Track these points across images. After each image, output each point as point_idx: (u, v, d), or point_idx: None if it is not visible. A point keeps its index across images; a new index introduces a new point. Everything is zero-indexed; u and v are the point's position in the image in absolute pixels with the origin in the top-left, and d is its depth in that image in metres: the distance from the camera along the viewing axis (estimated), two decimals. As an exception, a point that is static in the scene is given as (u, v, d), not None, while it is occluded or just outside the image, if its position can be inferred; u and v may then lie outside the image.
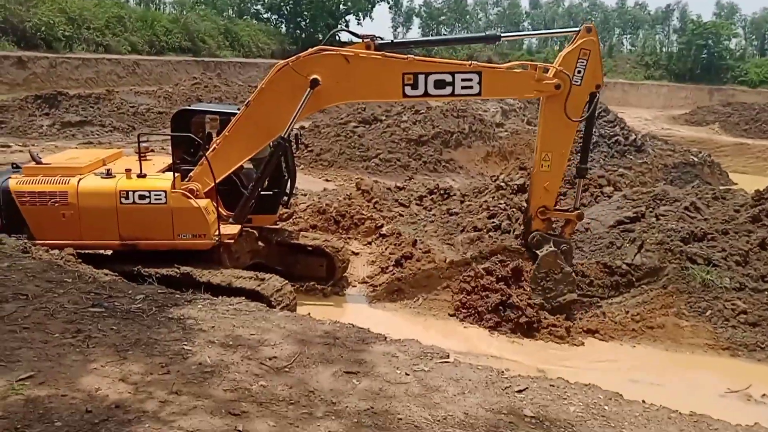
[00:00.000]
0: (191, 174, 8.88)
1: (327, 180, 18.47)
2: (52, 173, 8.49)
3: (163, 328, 5.19)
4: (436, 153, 21.18)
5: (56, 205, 8.24)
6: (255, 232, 9.79)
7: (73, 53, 35.49)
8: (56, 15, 35.60)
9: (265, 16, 63.22)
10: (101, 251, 8.89)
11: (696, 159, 22.88)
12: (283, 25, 62.52)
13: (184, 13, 47.96)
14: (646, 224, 11.24)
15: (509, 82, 9.24)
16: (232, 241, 9.01)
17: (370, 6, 65.35)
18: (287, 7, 61.76)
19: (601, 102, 34.02)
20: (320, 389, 4.39)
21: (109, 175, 8.55)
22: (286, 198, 9.99)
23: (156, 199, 8.39)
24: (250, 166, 9.73)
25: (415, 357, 5.12)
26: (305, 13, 60.06)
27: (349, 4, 63.13)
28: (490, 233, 12.41)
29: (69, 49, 35.66)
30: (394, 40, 9.40)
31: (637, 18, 71.24)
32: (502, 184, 14.06)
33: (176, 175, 8.62)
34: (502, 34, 9.78)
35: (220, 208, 9.11)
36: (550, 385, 4.77)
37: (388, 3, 68.86)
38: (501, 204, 13.10)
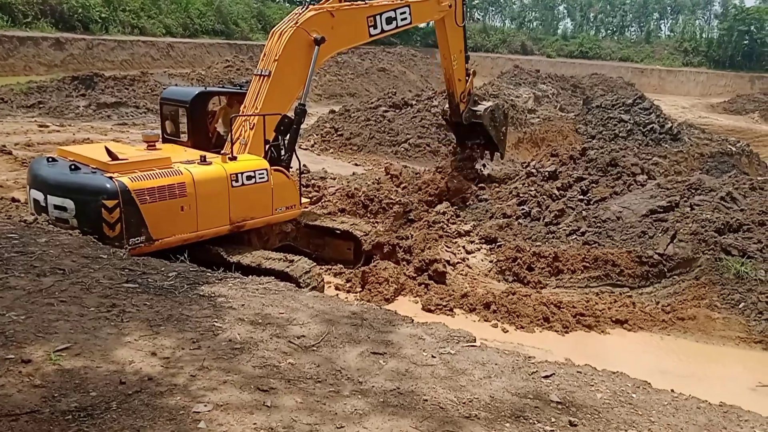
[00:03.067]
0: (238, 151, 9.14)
1: (356, 164, 18.49)
2: (146, 167, 7.92)
3: (194, 304, 5.29)
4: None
5: (176, 198, 7.89)
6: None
7: (109, 35, 36.05)
8: (93, -3, 36.16)
9: (297, -1, 63.10)
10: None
11: (734, 148, 22.30)
12: (314, 8, 62.26)
13: (218, -5, 48.12)
14: (680, 214, 11.04)
15: (424, 10, 12.25)
16: (308, 208, 9.80)
17: (402, -11, 64.59)
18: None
19: (636, 89, 33.33)
20: (347, 368, 4.43)
21: (205, 161, 8.41)
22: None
23: (260, 178, 8.75)
24: None
25: (441, 340, 5.13)
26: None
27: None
28: (519, 220, 12.33)
29: (105, 31, 36.24)
30: None
31: (676, 3, 69.29)
32: (533, 170, 13.92)
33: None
34: None
35: None
36: (577, 372, 4.74)
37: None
38: (531, 191, 12.98)
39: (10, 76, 27.99)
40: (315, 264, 9.06)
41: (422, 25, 72.12)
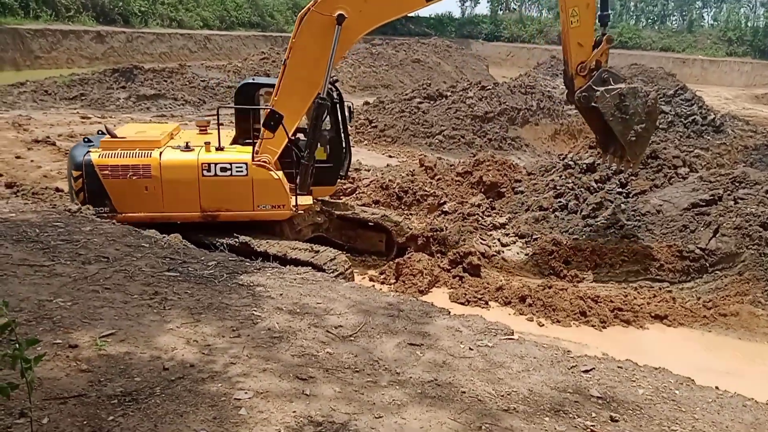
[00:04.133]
0: (257, 147, 8.95)
1: (390, 156, 18.47)
2: (130, 147, 8.63)
3: (233, 293, 5.37)
4: (502, 130, 20.80)
5: (139, 178, 8.37)
6: (318, 204, 9.91)
7: (148, 28, 36.66)
8: (133, -10, 36.78)
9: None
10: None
11: (780, 141, 21.57)
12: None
13: (254, -12, 48.52)
14: (723, 207, 10.75)
15: None
16: (308, 211, 9.19)
17: (437, -20, 64.17)
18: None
19: (677, 79, 32.50)
20: (384, 359, 4.45)
21: (188, 148, 8.69)
22: (343, 171, 10.08)
23: (237, 171, 8.57)
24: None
25: (478, 332, 5.11)
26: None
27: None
28: (556, 213, 12.18)
29: (144, 24, 36.88)
30: None
31: (720, -9, 67.33)
32: (571, 162, 13.70)
33: (255, 147, 8.75)
34: None
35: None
36: (618, 367, 4.67)
37: (456, -23, 67.53)
38: (569, 183, 12.79)
39: (53, 69, 28.76)
40: (340, 252, 9.05)
41: (457, 14, 71.44)
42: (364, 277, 9.86)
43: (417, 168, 15.21)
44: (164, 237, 7.42)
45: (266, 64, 32.33)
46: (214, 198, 8.60)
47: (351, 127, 10.49)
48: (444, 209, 12.63)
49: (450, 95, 22.14)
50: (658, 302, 9.47)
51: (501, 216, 12.54)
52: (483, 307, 9.26)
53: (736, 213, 10.44)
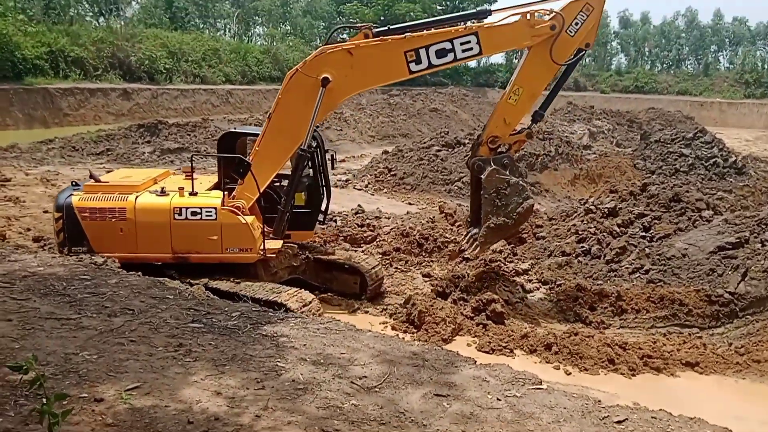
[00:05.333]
0: (234, 192, 9.37)
1: (410, 203, 18.55)
2: (110, 191, 9.14)
3: (257, 344, 5.36)
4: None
5: (115, 220, 8.86)
6: (295, 247, 10.20)
7: (173, 84, 37.79)
8: (158, 49, 38.12)
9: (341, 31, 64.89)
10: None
11: (804, 181, 21.29)
12: (367, 53, 63.82)
13: (274, 44, 50.10)
14: (751, 250, 10.55)
15: (507, 35, 9.54)
16: (275, 255, 9.44)
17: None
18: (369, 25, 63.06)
19: (696, 122, 32.49)
20: (410, 410, 4.37)
21: (163, 193, 9.13)
22: (322, 216, 10.43)
23: (207, 216, 8.95)
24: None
25: (506, 382, 5.02)
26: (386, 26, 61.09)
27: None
28: (579, 258, 12.06)
29: (169, 81, 38.01)
30: (390, 26, 9.70)
31: (735, 34, 67.70)
32: (592, 207, 13.64)
33: (225, 192, 9.16)
34: (493, 8, 10.20)
35: (260, 224, 9.50)
36: (652, 417, 4.53)
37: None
38: (591, 228, 12.70)
39: (81, 126, 29.60)
40: (304, 290, 9.18)
41: (473, 63, 72.79)
42: (386, 326, 9.77)
43: (437, 215, 15.25)
44: (188, 288, 7.48)
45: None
46: (184, 240, 8.97)
47: (333, 173, 11.05)
48: (465, 256, 12.57)
49: (468, 143, 22.29)
50: (689, 349, 9.21)
51: (523, 262, 12.44)
52: (508, 356, 9.10)
53: (764, 256, 10.24)
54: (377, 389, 4.68)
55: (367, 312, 10.21)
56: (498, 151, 9.91)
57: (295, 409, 4.24)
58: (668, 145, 23.08)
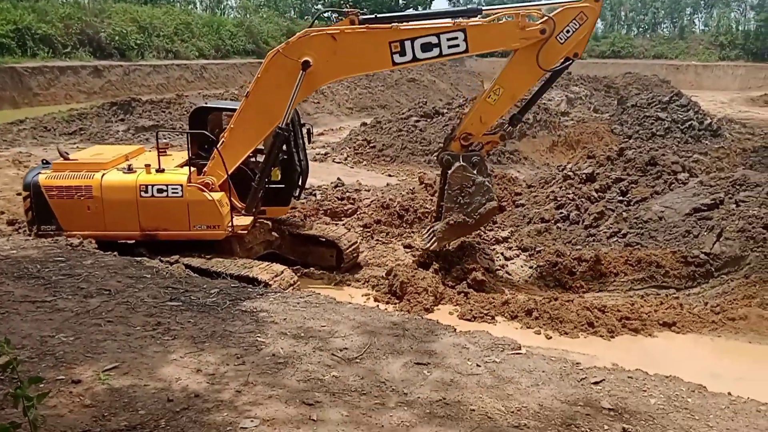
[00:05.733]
0: (205, 168, 9.30)
1: (390, 175, 18.50)
2: (78, 168, 9.05)
3: (237, 320, 5.34)
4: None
5: (82, 198, 8.79)
6: (268, 223, 10.19)
7: (145, 60, 36.97)
8: (128, 24, 37.17)
9: (326, 15, 63.98)
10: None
11: (778, 142, 21.58)
12: (343, 24, 63.04)
13: (248, 16, 49.14)
14: (725, 211, 10.70)
15: (495, 35, 9.34)
16: (245, 232, 9.40)
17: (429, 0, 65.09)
18: (347, 5, 62.26)
19: (672, 86, 32.63)
20: (391, 380, 4.40)
21: (130, 170, 9.06)
22: (297, 191, 10.38)
23: (173, 193, 8.88)
24: (262, 159, 10.03)
25: (485, 348, 5.06)
26: (365, 10, 60.39)
27: (408, -1, 63.09)
28: (558, 224, 12.15)
29: (141, 57, 37.16)
30: (377, 15, 9.57)
31: (710, -4, 67.83)
32: (570, 173, 13.71)
33: (192, 169, 9.07)
34: (484, 7, 9.82)
35: (234, 200, 9.47)
36: (628, 377, 4.61)
37: (447, -5, 68.33)
38: (569, 194, 12.78)
39: (52, 105, 28.90)
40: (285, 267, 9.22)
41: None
42: (368, 298, 9.80)
43: (417, 186, 15.23)
44: (167, 267, 7.42)
45: (262, 90, 32.43)
46: (152, 218, 8.93)
47: (311, 147, 10.99)
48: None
49: (446, 112, 22.25)
50: (666, 309, 9.38)
51: (503, 230, 12.51)
52: (490, 323, 9.19)
53: (738, 216, 10.39)
54: (358, 360, 4.70)
55: (349, 285, 10.23)
56: (470, 148, 9.80)
57: (275, 383, 4.24)
58: (645, 110, 23.21)
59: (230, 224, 9.08)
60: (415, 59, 9.18)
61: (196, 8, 53.62)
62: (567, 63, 9.48)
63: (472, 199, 9.61)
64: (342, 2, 54.75)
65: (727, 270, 9.80)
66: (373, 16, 9.52)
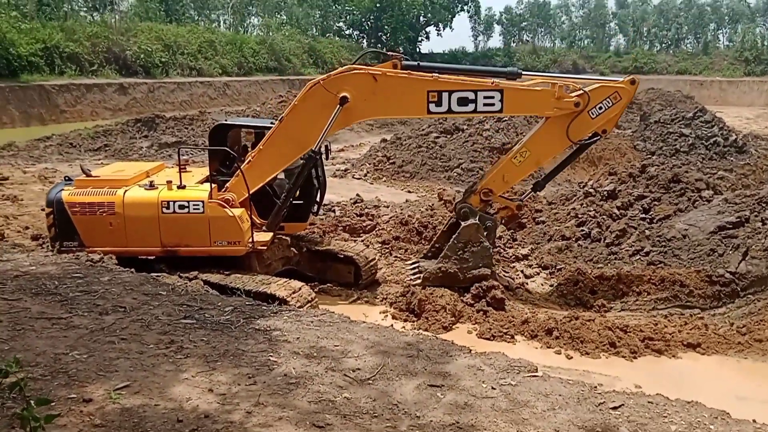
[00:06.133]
0: (228, 185, 9.35)
1: (409, 191, 18.47)
2: (100, 185, 9.21)
3: (250, 339, 5.31)
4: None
5: (104, 214, 8.89)
6: (287, 239, 10.21)
7: (169, 78, 37.62)
8: (153, 43, 37.93)
9: (347, 32, 64.68)
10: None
11: (805, 158, 21.12)
12: (364, 41, 63.67)
13: (270, 34, 49.84)
14: (751, 229, 10.46)
15: (530, 100, 9.48)
16: (265, 248, 9.40)
17: (450, 17, 65.48)
18: (368, 23, 62.94)
19: (696, 102, 32.32)
20: (404, 402, 4.32)
21: (152, 186, 9.14)
22: (316, 207, 10.44)
23: (194, 209, 8.95)
24: (282, 176, 10.12)
25: (501, 370, 4.96)
26: (386, 27, 60.98)
27: (429, 15, 63.51)
28: (579, 242, 11.98)
29: (165, 74, 37.85)
30: (420, 63, 9.66)
31: (735, 11, 67.02)
32: (591, 190, 13.54)
33: (213, 185, 9.13)
34: (525, 73, 9.80)
35: (254, 216, 9.49)
36: (648, 402, 4.47)
37: (468, 12, 68.64)
38: (590, 211, 12.61)
39: (78, 122, 29.52)
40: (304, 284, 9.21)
41: (470, 47, 72.25)
42: (386, 315, 9.73)
43: (436, 202, 15.16)
44: (185, 283, 7.45)
45: (284, 106, 32.73)
46: (173, 234, 8.98)
47: (332, 163, 11.09)
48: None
49: (466, 128, 22.17)
50: (690, 330, 9.15)
51: (523, 247, 12.37)
52: (509, 342, 9.05)
53: (765, 234, 10.14)
54: (370, 381, 4.63)
55: (367, 302, 10.19)
56: (488, 209, 10.06)
57: (286, 404, 4.19)
58: (668, 126, 22.90)
59: (251, 240, 9.09)
60: (450, 111, 9.33)
61: (220, 26, 54.55)
62: (595, 138, 9.64)
63: (472, 259, 9.75)
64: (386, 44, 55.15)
65: (754, 290, 9.56)
66: (416, 63, 9.61)
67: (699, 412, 4.38)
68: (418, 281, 10.08)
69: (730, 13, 67.40)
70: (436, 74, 9.21)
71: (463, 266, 9.77)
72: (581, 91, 9.26)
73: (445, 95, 9.13)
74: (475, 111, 9.37)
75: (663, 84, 45.13)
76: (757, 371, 8.32)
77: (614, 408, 4.32)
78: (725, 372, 8.36)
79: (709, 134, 21.62)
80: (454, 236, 9.85)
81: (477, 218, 9.73)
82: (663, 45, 68.56)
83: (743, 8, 66.59)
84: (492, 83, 9.21)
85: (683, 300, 9.80)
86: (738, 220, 10.73)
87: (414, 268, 10.59)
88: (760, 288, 9.51)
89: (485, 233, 9.74)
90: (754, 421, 4.31)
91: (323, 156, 10.66)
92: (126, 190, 9.09)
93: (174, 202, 8.94)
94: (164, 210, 8.91)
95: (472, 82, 9.25)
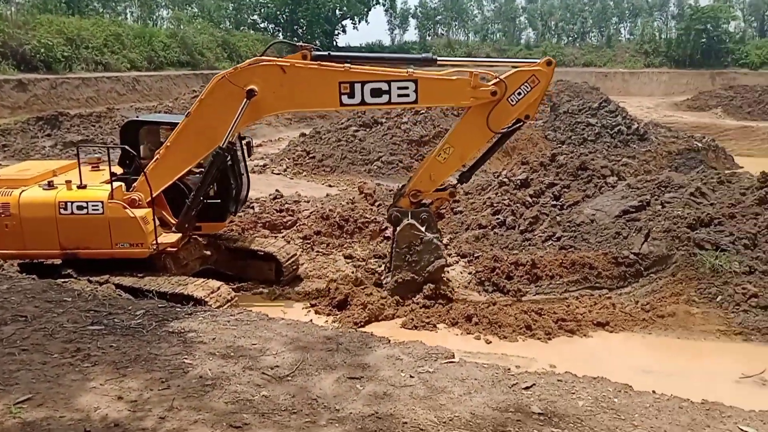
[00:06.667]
0: (134, 184, 9.01)
1: (330, 185, 18.42)
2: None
3: (163, 342, 5.14)
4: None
5: (0, 216, 8.45)
6: (203, 239, 10.02)
7: (73, 73, 35.65)
8: (54, 36, 35.78)
9: (261, 25, 63.41)
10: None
11: (700, 144, 22.68)
12: (280, 34, 62.68)
13: (181, 27, 48.12)
14: (652, 212, 11.12)
15: (445, 90, 9.25)
16: (174, 249, 9.12)
17: (365, 10, 65.50)
18: (283, 16, 61.99)
19: (601, 92, 33.87)
20: (323, 396, 4.31)
21: (50, 186, 8.73)
22: (235, 206, 10.14)
23: (93, 210, 8.58)
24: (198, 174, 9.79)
25: (419, 358, 5.04)
26: (301, 20, 60.28)
27: (345, 9, 63.31)
28: (495, 230, 12.33)
29: (69, 70, 35.80)
30: (331, 53, 9.42)
31: (635, 6, 70.74)
32: (505, 180, 13.97)
33: (119, 185, 8.76)
34: (439, 58, 9.62)
35: (168, 216, 9.24)
36: (558, 380, 4.67)
37: (384, 5, 68.90)
38: (505, 200, 13.01)
39: (-28, 121, 27.48)
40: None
41: (386, 41, 72.75)
42: (309, 311, 9.66)
43: (357, 196, 15.20)
44: (94, 288, 7.11)
45: (198, 102, 31.81)
46: (72, 236, 8.63)
47: (250, 159, 10.79)
48: (386, 235, 12.59)
49: (385, 122, 22.34)
50: (599, 309, 9.62)
51: (442, 236, 12.58)
52: (431, 330, 9.20)
53: (664, 217, 10.80)
54: (289, 378, 4.59)
55: (289, 298, 10.09)
56: (420, 203, 9.69)
57: (202, 407, 4.09)
58: (576, 116, 23.95)
59: (155, 242, 8.74)
60: (363, 103, 9.04)
61: (127, 19, 52.18)
62: (518, 125, 9.43)
63: (420, 257, 9.54)
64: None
65: (656, 269, 10.15)
66: (326, 53, 9.32)
67: (604, 386, 4.61)
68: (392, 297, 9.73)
69: (631, 8, 71.06)
70: (348, 65, 8.98)
71: (417, 269, 9.58)
72: (497, 80, 9.13)
73: (357, 86, 8.87)
74: (389, 102, 9.12)
75: (571, 76, 47.07)
76: (660, 345, 8.86)
77: (526, 388, 4.49)
78: (632, 348, 8.84)
79: (614, 123, 22.78)
80: (394, 245, 9.69)
81: (409, 217, 9.51)
82: (570, 38, 71.47)
83: (642, 3, 70.37)
84: (407, 73, 9.01)
85: (592, 282, 10.27)
86: (640, 203, 11.38)
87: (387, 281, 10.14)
88: (661, 267, 10.11)
89: (424, 226, 9.54)
90: (653, 392, 4.58)
91: (245, 152, 10.39)
92: (23, 191, 8.62)
93: (72, 202, 8.53)
94: (62, 211, 8.49)
95: (385, 73, 9.03)
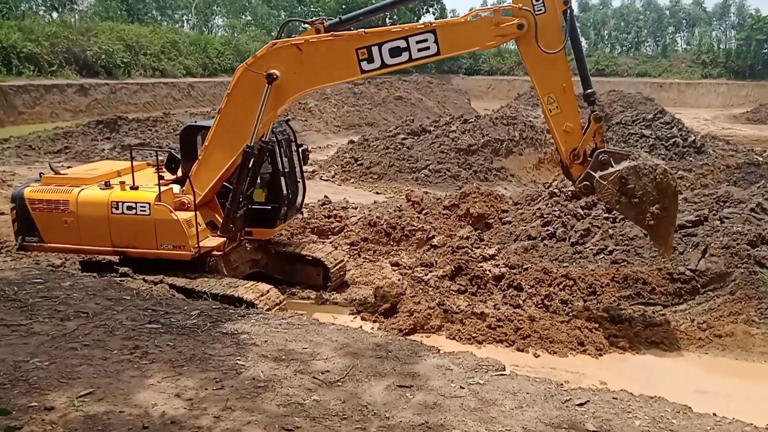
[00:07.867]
0: (184, 187, 9.22)
1: (377, 193, 18.48)
2: (62, 183, 9.23)
3: (217, 343, 5.24)
4: (487, 162, 20.92)
5: (60, 212, 8.88)
6: (254, 243, 10.14)
7: (132, 79, 36.92)
8: (115, 43, 37.14)
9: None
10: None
11: (760, 158, 21.84)
12: (331, 40, 63.29)
13: (235, 35, 49.30)
14: (710, 228, 10.74)
15: (467, 34, 8.72)
16: (220, 252, 9.27)
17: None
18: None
19: (656, 103, 33.16)
20: (373, 403, 4.32)
21: (107, 186, 9.06)
22: (285, 212, 10.14)
23: (141, 211, 8.82)
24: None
25: (469, 370, 4.99)
26: (350, 28, 60.73)
27: (395, 17, 63.51)
28: (544, 241, 12.13)
29: (127, 75, 37.10)
30: (341, 17, 9.29)
31: (692, 15, 68.87)
32: (556, 190, 13.74)
33: (169, 187, 9.01)
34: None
35: (221, 219, 9.30)
36: (613, 398, 4.56)
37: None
38: (555, 211, 12.79)
39: (37, 124, 28.72)
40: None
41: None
42: (355, 317, 9.71)
43: (404, 203, 15.19)
44: (150, 287, 7.32)
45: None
46: (122, 235, 8.92)
47: (307, 166, 10.85)
48: (433, 243, 12.56)
49: (433, 130, 22.29)
50: (653, 327, 9.35)
51: (490, 247, 12.47)
52: (479, 342, 9.10)
53: (722, 233, 10.43)
54: (339, 383, 4.61)
55: (336, 303, 10.16)
56: (587, 158, 8.73)
57: (255, 408, 4.15)
58: (629, 127, 23.41)
59: (197, 245, 8.88)
60: (384, 65, 8.69)
61: (183, 27, 53.77)
62: (568, 16, 8.51)
63: (640, 189, 8.38)
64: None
65: (713, 286, 9.81)
66: (337, 18, 9.24)
67: (662, 406, 4.47)
68: (665, 252, 9.09)
69: (688, 17, 69.21)
70: (361, 30, 8.81)
71: (649, 200, 8.37)
72: (514, 9, 8.39)
73: (375, 49, 8.56)
74: (410, 59, 8.64)
75: (624, 86, 46.05)
76: (717, 366, 8.54)
77: (580, 404, 4.39)
78: (686, 367, 8.55)
79: (669, 135, 22.16)
80: (610, 207, 9.59)
81: (596, 174, 8.47)
82: (623, 48, 70.05)
83: (700, 13, 68.45)
84: (423, 24, 8.66)
85: (646, 297, 10.00)
86: (697, 218, 11.01)
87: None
88: (719, 285, 9.76)
89: (612, 166, 8.44)
90: (714, 414, 4.42)
91: (301, 159, 10.50)
92: (81, 190, 9.01)
93: (123, 203, 8.84)
94: (114, 210, 8.81)
95: (401, 29, 8.68)
